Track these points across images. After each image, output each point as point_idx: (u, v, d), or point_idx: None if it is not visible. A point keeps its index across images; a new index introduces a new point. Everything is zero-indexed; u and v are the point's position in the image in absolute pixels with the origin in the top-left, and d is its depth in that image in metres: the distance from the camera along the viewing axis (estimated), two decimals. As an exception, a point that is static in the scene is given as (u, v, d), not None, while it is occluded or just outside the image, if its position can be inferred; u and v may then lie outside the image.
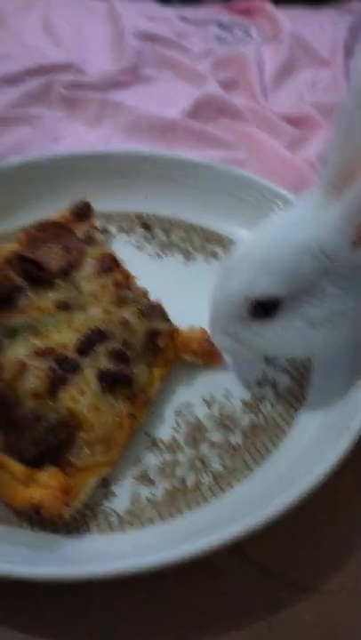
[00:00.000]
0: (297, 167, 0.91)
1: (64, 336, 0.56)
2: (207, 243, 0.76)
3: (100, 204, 0.77)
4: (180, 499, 0.49)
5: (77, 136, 0.99)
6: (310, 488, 0.44)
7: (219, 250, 0.75)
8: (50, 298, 0.61)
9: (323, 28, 1.48)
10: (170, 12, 1.52)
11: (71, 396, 0.50)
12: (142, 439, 0.53)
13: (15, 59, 1.19)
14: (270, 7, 1.49)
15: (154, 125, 1.01)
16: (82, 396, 0.51)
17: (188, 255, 0.74)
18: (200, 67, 1.23)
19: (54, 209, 0.74)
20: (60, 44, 1.29)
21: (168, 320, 0.60)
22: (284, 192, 0.74)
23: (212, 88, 1.11)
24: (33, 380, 0.51)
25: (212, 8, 1.59)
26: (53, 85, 1.08)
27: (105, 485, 0.50)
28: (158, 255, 0.74)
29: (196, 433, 0.54)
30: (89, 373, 0.52)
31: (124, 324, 0.57)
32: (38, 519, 0.46)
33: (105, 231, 0.76)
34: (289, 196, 0.72)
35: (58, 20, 1.40)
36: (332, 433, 0.50)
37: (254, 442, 0.54)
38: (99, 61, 1.24)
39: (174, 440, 0.54)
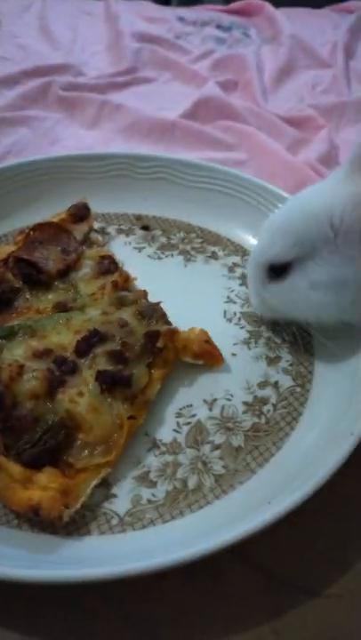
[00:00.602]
0: (297, 168, 0.91)
1: (62, 337, 0.56)
2: (207, 244, 0.75)
3: (99, 206, 0.77)
4: (181, 500, 0.48)
5: (76, 138, 0.99)
6: (312, 492, 0.43)
7: (218, 250, 0.74)
8: (48, 299, 0.61)
9: (323, 29, 1.48)
10: (168, 13, 1.53)
11: (70, 398, 0.50)
12: (143, 440, 0.53)
13: (12, 61, 1.19)
14: (270, 8, 1.49)
15: (153, 127, 1.01)
16: (80, 398, 0.50)
17: (187, 256, 0.73)
18: (199, 68, 1.23)
19: (53, 211, 0.74)
20: (57, 45, 1.29)
21: (167, 321, 0.60)
22: (283, 193, 0.73)
23: (211, 89, 1.11)
24: (31, 382, 0.50)
25: (211, 9, 1.59)
26: (51, 87, 1.08)
27: (105, 487, 0.49)
28: (158, 256, 0.73)
29: (198, 434, 0.54)
30: (87, 375, 0.52)
31: (123, 325, 0.57)
32: (37, 521, 0.45)
33: (104, 232, 0.76)
34: (289, 197, 0.71)
35: (55, 22, 1.40)
36: (335, 436, 0.49)
37: (256, 444, 0.53)
38: (97, 63, 1.25)
39: (175, 441, 0.53)
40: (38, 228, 0.67)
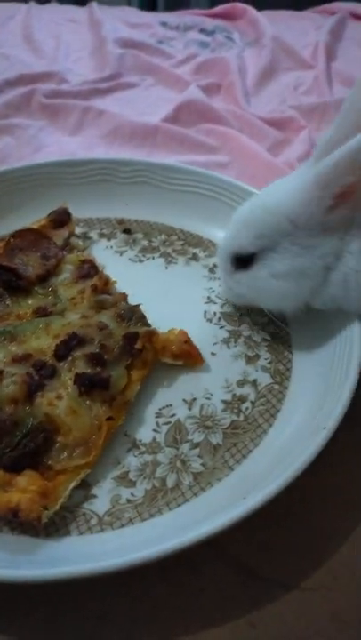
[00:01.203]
0: (278, 169, 0.92)
1: (42, 342, 0.56)
2: (188, 245, 0.76)
3: (81, 211, 0.78)
4: (160, 499, 0.49)
5: (59, 145, 1.00)
6: (284, 486, 0.44)
7: (199, 252, 0.75)
8: (28, 305, 0.62)
9: (305, 31, 1.49)
10: (151, 19, 1.54)
11: (48, 401, 0.51)
12: (123, 441, 0.54)
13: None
14: (252, 11, 1.50)
15: (135, 131, 1.02)
16: (59, 401, 0.51)
17: (168, 258, 0.74)
18: (182, 72, 1.24)
19: (36, 217, 0.75)
20: (41, 54, 1.30)
21: (147, 323, 0.60)
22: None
23: (193, 93, 1.11)
24: (10, 387, 0.51)
25: (195, 13, 1.60)
26: (34, 95, 1.09)
27: (85, 487, 0.50)
28: (139, 259, 0.74)
29: (177, 433, 0.54)
30: (66, 378, 0.53)
31: (102, 328, 0.57)
32: (18, 523, 0.46)
33: (86, 237, 0.76)
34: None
35: (39, 30, 1.41)
36: (309, 431, 0.50)
37: (235, 441, 0.54)
38: (80, 70, 1.25)
39: (155, 441, 0.54)
40: (18, 234, 0.68)
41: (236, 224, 0.59)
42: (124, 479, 0.51)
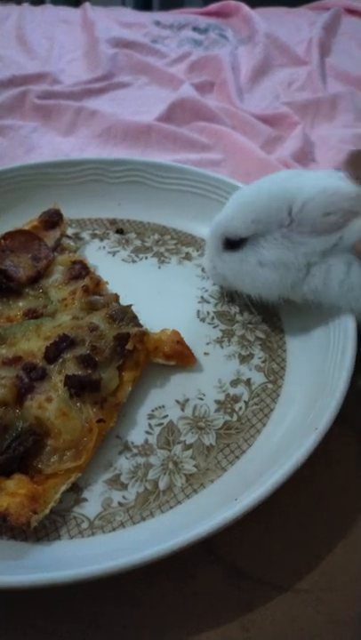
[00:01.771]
0: (272, 166, 0.91)
1: (32, 344, 0.56)
2: (181, 245, 0.76)
3: (73, 212, 0.77)
4: (152, 501, 0.48)
5: (52, 145, 1.00)
6: (275, 487, 0.43)
7: (192, 251, 0.75)
8: (19, 307, 0.61)
9: (299, 28, 1.49)
10: (145, 18, 1.53)
11: (38, 404, 0.50)
12: (114, 443, 0.53)
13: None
14: (246, 8, 1.50)
15: (128, 131, 1.02)
16: (49, 403, 0.50)
17: (161, 258, 0.73)
18: (175, 71, 1.24)
19: (28, 218, 0.74)
20: (34, 55, 1.30)
21: (138, 323, 0.60)
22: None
23: (187, 91, 1.11)
24: (0, 390, 0.50)
25: (188, 12, 1.59)
26: (27, 95, 1.08)
27: (76, 491, 0.49)
28: (132, 259, 0.74)
29: (169, 435, 0.54)
30: (57, 380, 0.52)
31: (93, 329, 0.57)
32: (7, 527, 0.45)
33: (78, 238, 0.76)
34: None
35: (33, 31, 1.41)
36: (302, 431, 0.49)
37: (228, 442, 0.53)
38: (73, 70, 1.25)
39: (147, 443, 0.53)
40: (9, 236, 0.68)
41: (233, 204, 0.59)
42: (115, 482, 0.50)
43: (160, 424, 0.55)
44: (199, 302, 0.68)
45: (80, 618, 0.43)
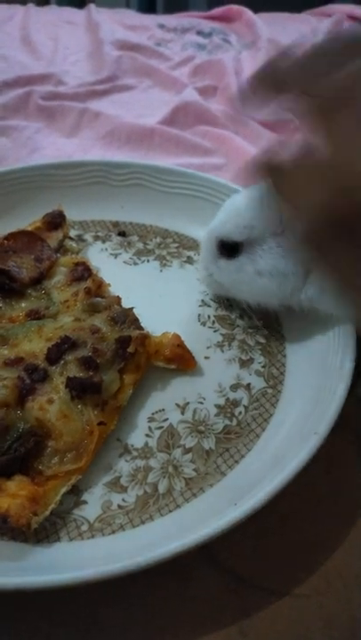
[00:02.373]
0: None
1: (34, 345, 0.56)
2: (183, 248, 0.76)
3: (76, 214, 0.78)
4: (151, 504, 0.49)
5: (55, 146, 1.00)
6: (275, 492, 0.43)
7: (194, 255, 0.75)
8: (21, 307, 0.61)
9: (301, 33, 1.49)
10: (149, 21, 1.54)
11: (39, 405, 0.50)
12: (115, 446, 0.53)
13: (-7, 71, 1.19)
14: (249, 13, 1.50)
15: (131, 134, 1.02)
16: (50, 405, 0.50)
17: (163, 261, 0.74)
18: (179, 74, 1.24)
19: (30, 219, 0.74)
20: (39, 55, 1.30)
21: (139, 326, 0.60)
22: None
23: (190, 95, 1.11)
24: (1, 390, 0.50)
25: (192, 16, 1.60)
26: (31, 96, 1.09)
27: (76, 493, 0.49)
28: (134, 262, 0.74)
29: (169, 438, 0.54)
30: (58, 382, 0.52)
31: (95, 331, 0.57)
32: (7, 529, 0.45)
33: (81, 240, 0.76)
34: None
35: (37, 32, 1.41)
36: (301, 436, 0.49)
37: (227, 446, 0.53)
38: (78, 72, 1.25)
39: (147, 446, 0.53)
40: (12, 236, 0.68)
41: (227, 209, 0.59)
42: (115, 485, 0.50)
43: (160, 427, 0.55)
44: (200, 306, 0.68)
45: (79, 620, 0.43)
